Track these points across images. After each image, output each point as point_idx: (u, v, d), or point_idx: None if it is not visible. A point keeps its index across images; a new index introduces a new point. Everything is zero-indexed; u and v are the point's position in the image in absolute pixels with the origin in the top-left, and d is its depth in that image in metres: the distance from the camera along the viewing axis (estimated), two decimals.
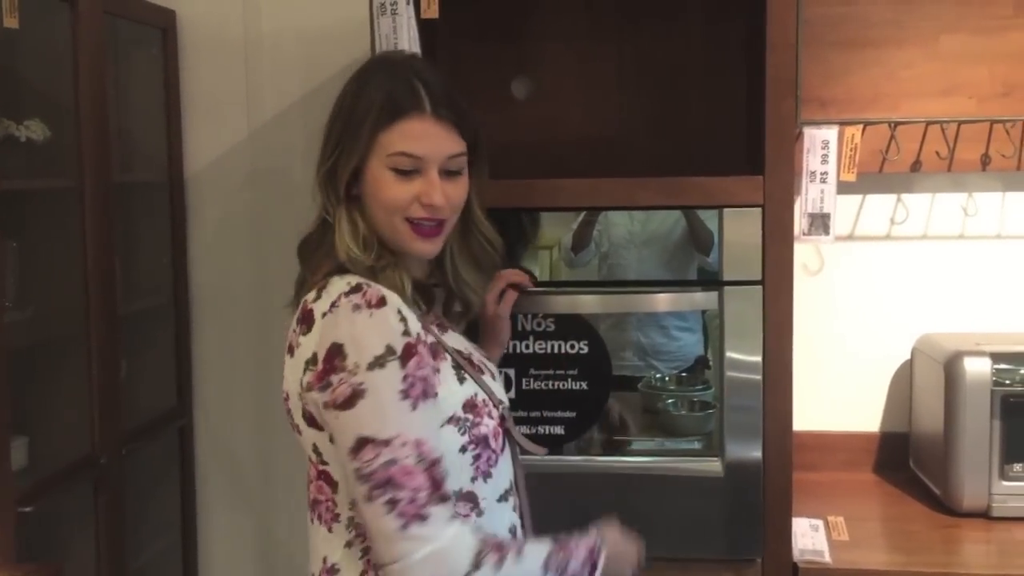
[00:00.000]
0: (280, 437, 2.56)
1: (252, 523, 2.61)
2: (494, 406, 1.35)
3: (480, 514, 1.32)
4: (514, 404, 1.81)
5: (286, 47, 2.47)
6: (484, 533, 1.27)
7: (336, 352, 1.21)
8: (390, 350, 1.21)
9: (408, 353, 1.22)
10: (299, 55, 2.46)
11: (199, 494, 2.61)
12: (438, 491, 1.20)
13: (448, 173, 1.33)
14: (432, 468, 1.21)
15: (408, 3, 1.75)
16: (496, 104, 2.27)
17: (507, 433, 1.38)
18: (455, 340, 1.41)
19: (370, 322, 1.22)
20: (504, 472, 1.37)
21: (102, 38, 2.20)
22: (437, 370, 1.28)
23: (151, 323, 2.49)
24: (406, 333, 1.23)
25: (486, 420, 1.32)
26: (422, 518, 1.19)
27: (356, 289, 1.24)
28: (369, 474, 1.18)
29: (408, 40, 1.76)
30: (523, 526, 1.43)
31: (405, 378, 1.21)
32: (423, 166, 1.31)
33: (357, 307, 1.22)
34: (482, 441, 1.31)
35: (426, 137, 1.31)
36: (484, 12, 2.23)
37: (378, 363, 1.20)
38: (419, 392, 1.22)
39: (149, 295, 2.49)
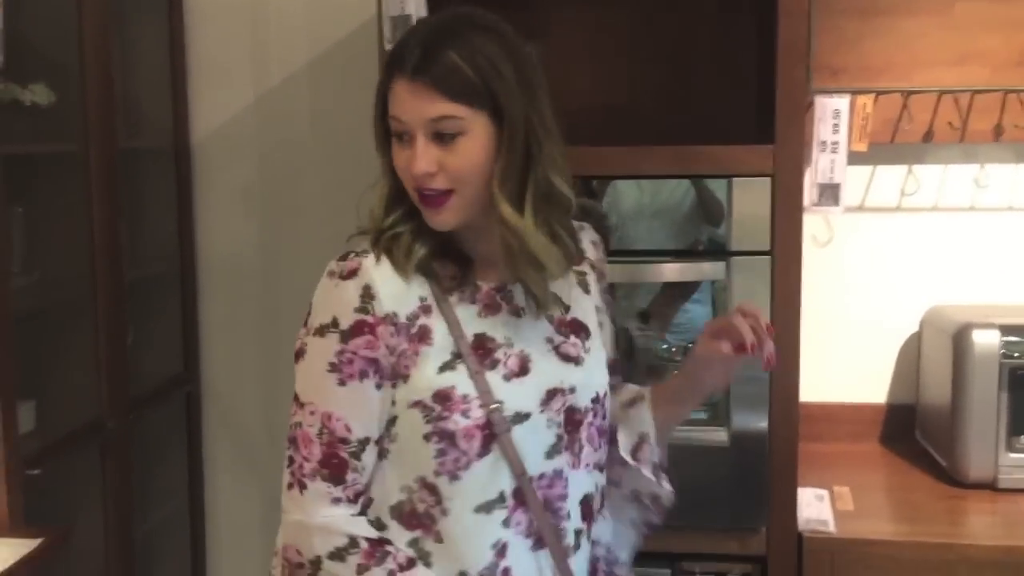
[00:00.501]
0: (287, 403, 2.57)
1: (258, 488, 2.63)
2: (480, 406, 1.22)
3: (445, 513, 1.23)
4: None
5: (292, 11, 2.45)
6: (371, 534, 1.22)
7: (308, 311, 1.26)
8: (335, 322, 1.22)
9: (356, 330, 1.21)
10: (306, 20, 2.44)
11: (206, 459, 2.62)
12: (326, 468, 1.22)
13: (440, 137, 1.20)
14: (332, 445, 1.22)
15: None
16: None
17: (495, 439, 1.23)
18: (493, 324, 1.27)
19: (332, 291, 1.23)
20: (484, 481, 1.23)
21: (107, 2, 2.18)
22: (415, 353, 1.22)
23: (158, 289, 2.50)
24: (362, 310, 1.21)
25: (456, 417, 1.21)
26: (302, 486, 1.23)
27: (343, 256, 1.25)
28: (288, 426, 1.27)
29: (415, 4, 1.75)
30: (541, 545, 1.26)
31: (341, 352, 1.21)
32: (411, 130, 1.21)
33: (331, 274, 1.25)
34: (447, 437, 1.21)
35: (407, 99, 1.21)
36: None
37: (320, 331, 1.22)
38: (355, 370, 1.21)
39: (156, 261, 2.49)
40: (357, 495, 1.24)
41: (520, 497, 1.24)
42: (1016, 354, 1.95)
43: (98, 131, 2.13)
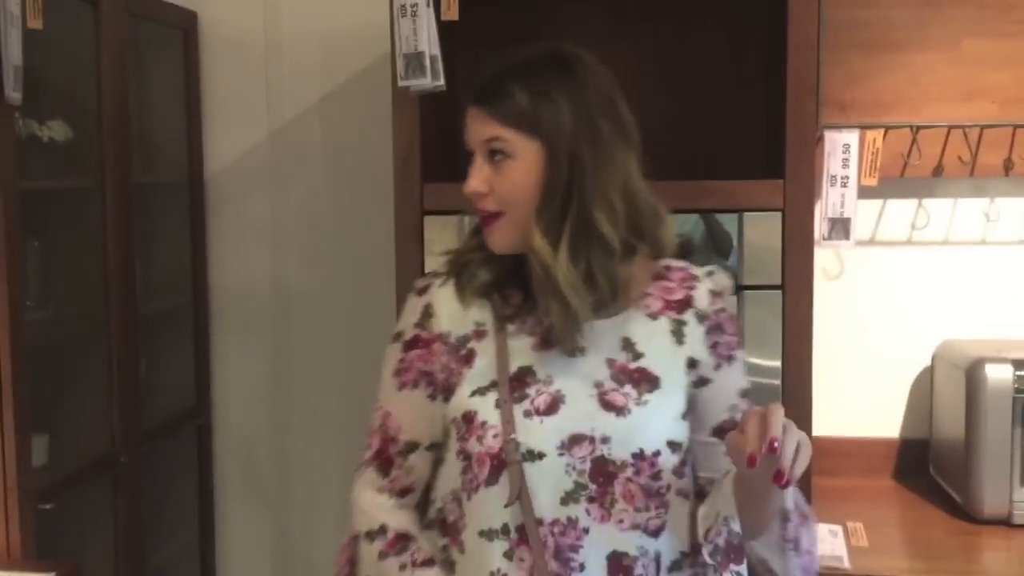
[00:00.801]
0: (298, 436, 2.58)
1: (269, 522, 2.62)
2: (494, 436, 1.23)
3: (463, 529, 1.27)
4: None
5: (306, 49, 2.48)
6: (401, 527, 1.32)
7: None
8: (400, 334, 1.36)
9: (413, 343, 1.33)
10: (319, 57, 2.47)
11: (217, 492, 2.62)
12: (377, 460, 1.34)
13: (491, 159, 1.28)
14: (385, 441, 1.34)
15: (428, 5, 1.75)
16: None
17: (503, 470, 1.23)
18: (541, 359, 1.27)
19: (407, 304, 1.37)
20: (490, 508, 1.24)
21: (124, 39, 2.21)
22: (459, 373, 1.29)
23: (171, 322, 2.51)
24: (419, 326, 1.33)
25: (473, 441, 1.25)
26: (361, 469, 1.36)
27: (425, 274, 1.42)
28: None
29: (428, 42, 1.77)
30: None
31: (402, 360, 1.34)
32: (473, 153, 1.31)
33: (412, 288, 1.38)
34: (468, 458, 1.26)
35: (469, 124, 1.31)
36: (504, 14, 2.22)
37: (393, 338, 1.36)
38: (410, 379, 1.33)
39: (169, 295, 2.51)
40: (403, 490, 1.34)
41: (524, 535, 1.23)
42: None
43: (114, 166, 2.16)
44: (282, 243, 2.54)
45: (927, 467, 2.23)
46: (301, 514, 2.60)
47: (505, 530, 1.24)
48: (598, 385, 1.27)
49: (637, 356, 1.29)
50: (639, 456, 1.24)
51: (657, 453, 1.25)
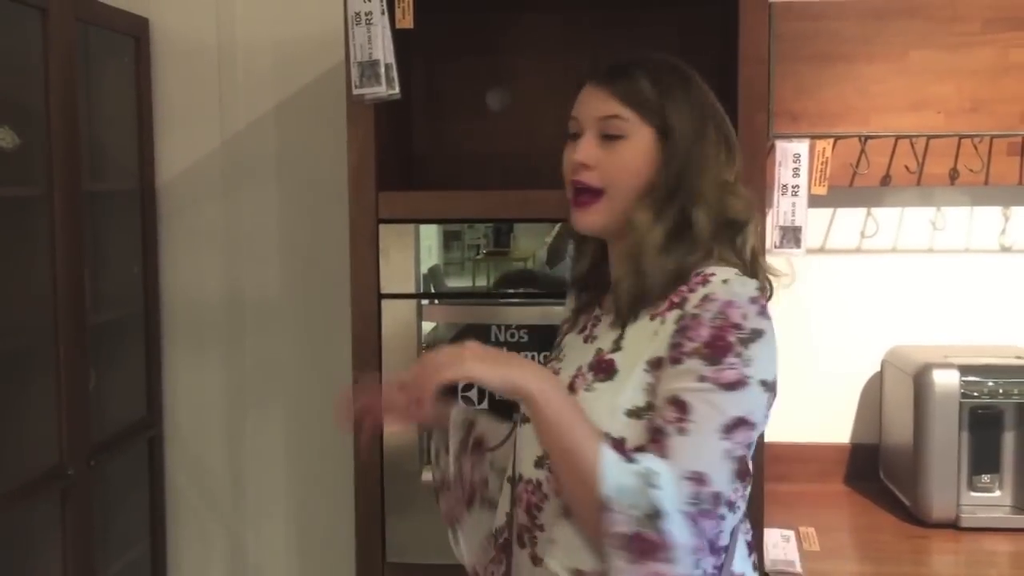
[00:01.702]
0: (252, 448, 2.55)
1: (223, 535, 2.59)
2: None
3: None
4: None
5: (260, 56, 2.46)
6: None
7: None
8: None
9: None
10: (273, 64, 2.45)
11: (169, 505, 2.58)
12: None
13: (605, 138, 1.33)
14: None
15: (383, 13, 1.75)
16: (471, 115, 2.27)
17: (514, 430, 1.41)
18: (572, 339, 1.43)
19: None
20: (505, 461, 1.43)
21: (73, 46, 2.18)
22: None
23: (121, 333, 2.47)
24: None
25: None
26: None
27: None
28: None
29: (383, 50, 1.76)
30: (510, 532, 1.36)
31: None
32: (581, 128, 1.35)
33: None
34: None
35: (586, 100, 1.36)
36: (460, 23, 2.23)
37: None
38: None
39: (119, 305, 2.46)
40: None
41: (513, 487, 1.36)
42: (975, 394, 1.98)
43: (62, 174, 2.12)
44: (235, 252, 2.52)
45: (878, 472, 2.27)
46: (255, 527, 2.57)
47: (510, 480, 1.38)
48: (579, 369, 1.35)
49: (616, 349, 1.32)
50: None
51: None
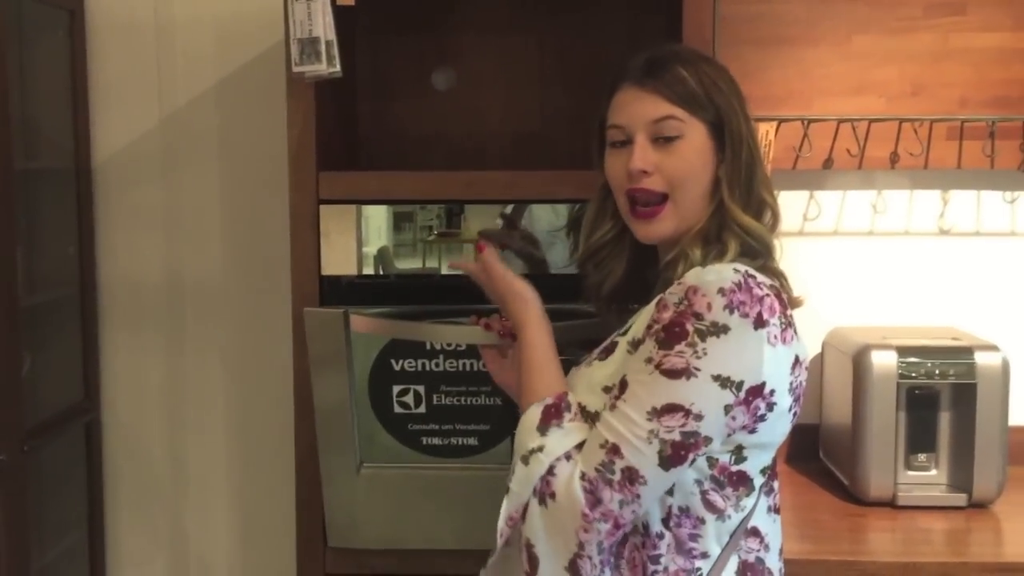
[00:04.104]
0: (192, 432, 2.51)
1: (162, 521, 2.55)
2: None
3: None
4: (425, 419, 1.85)
5: (199, 33, 2.40)
6: None
7: None
8: None
9: None
10: (212, 41, 2.40)
11: (107, 491, 2.54)
12: None
13: (659, 140, 1.31)
14: None
15: None
16: (417, 96, 2.25)
17: None
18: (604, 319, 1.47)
19: None
20: None
21: (5, 20, 2.11)
22: None
23: (57, 315, 2.41)
24: None
25: None
26: None
27: None
28: None
29: (324, 27, 1.74)
30: None
31: None
32: (630, 135, 1.32)
33: None
34: None
35: (629, 104, 1.33)
36: (404, 2, 2.20)
37: None
38: None
39: (54, 286, 2.40)
40: None
41: None
42: (913, 374, 2.01)
43: None
44: (174, 233, 2.47)
45: (818, 452, 2.30)
46: (196, 514, 2.53)
47: None
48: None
49: (624, 332, 1.35)
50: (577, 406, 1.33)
51: (577, 409, 1.31)
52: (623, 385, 1.24)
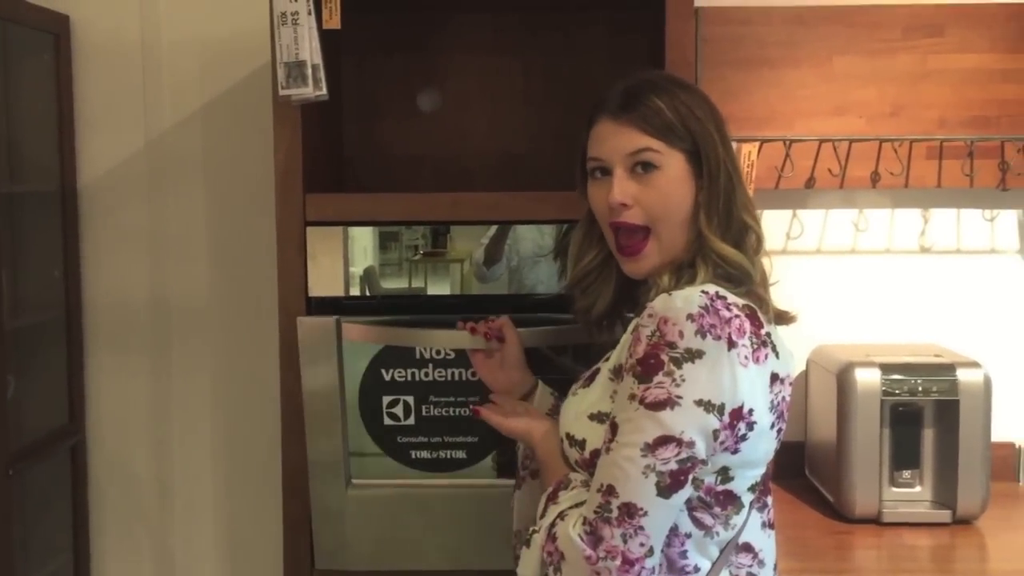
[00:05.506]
0: (178, 455, 2.50)
1: (148, 544, 2.53)
2: None
3: None
4: (414, 431, 1.86)
5: (185, 56, 2.41)
6: None
7: None
8: None
9: None
10: (198, 64, 2.41)
11: (92, 514, 2.52)
12: None
13: (637, 172, 1.32)
14: None
15: (310, 13, 1.73)
16: (402, 116, 2.26)
17: None
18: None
19: None
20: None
21: None
22: None
23: (42, 338, 2.40)
24: None
25: None
26: None
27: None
28: None
29: (310, 51, 1.75)
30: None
31: None
32: (609, 167, 1.34)
33: None
34: None
35: (607, 138, 1.34)
36: (389, 24, 2.22)
37: None
38: None
39: (39, 309, 2.39)
40: None
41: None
42: (896, 391, 2.02)
43: None
44: (160, 255, 2.46)
45: (803, 469, 2.31)
46: (182, 537, 2.52)
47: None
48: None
49: (606, 359, 1.38)
50: (567, 438, 1.38)
51: (564, 439, 1.38)
52: (613, 428, 1.25)
